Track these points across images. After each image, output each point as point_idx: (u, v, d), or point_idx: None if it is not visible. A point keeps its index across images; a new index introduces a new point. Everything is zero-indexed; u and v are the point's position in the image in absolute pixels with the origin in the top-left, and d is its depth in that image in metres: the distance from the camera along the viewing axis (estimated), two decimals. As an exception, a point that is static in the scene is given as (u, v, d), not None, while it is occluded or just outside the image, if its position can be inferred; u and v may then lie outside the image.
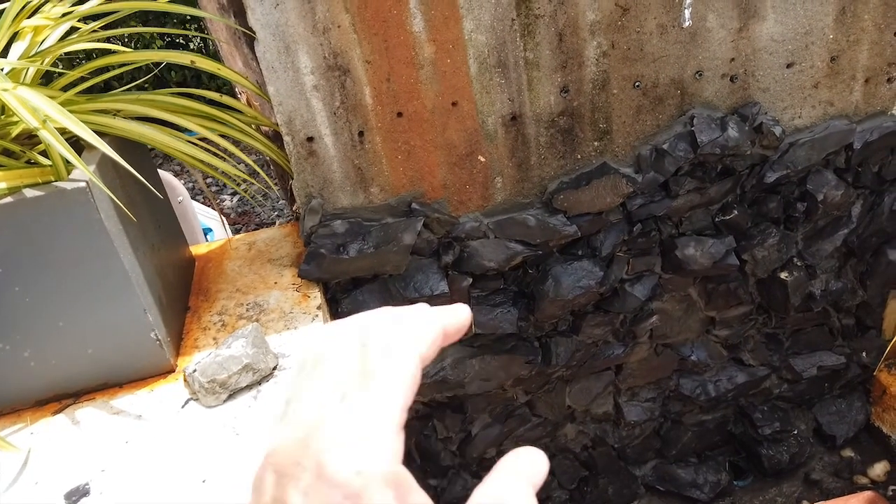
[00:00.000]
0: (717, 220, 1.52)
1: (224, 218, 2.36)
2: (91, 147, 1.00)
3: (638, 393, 1.75)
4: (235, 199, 3.28)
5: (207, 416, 1.04)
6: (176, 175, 3.16)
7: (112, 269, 1.02)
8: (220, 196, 3.38)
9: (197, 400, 1.07)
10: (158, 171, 1.88)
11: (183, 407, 1.06)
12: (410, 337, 0.31)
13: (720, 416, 1.86)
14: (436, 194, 1.36)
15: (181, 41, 3.30)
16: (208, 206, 2.26)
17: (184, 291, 1.30)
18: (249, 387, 1.08)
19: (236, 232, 3.03)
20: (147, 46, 3.14)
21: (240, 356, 1.06)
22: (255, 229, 3.08)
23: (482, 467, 1.72)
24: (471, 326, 1.48)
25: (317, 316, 1.23)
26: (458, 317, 0.35)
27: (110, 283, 1.03)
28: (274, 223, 3.08)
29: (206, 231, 2.01)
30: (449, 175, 1.35)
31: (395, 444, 0.28)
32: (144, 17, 2.89)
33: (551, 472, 1.81)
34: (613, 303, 1.53)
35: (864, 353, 1.85)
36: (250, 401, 1.06)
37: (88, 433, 1.03)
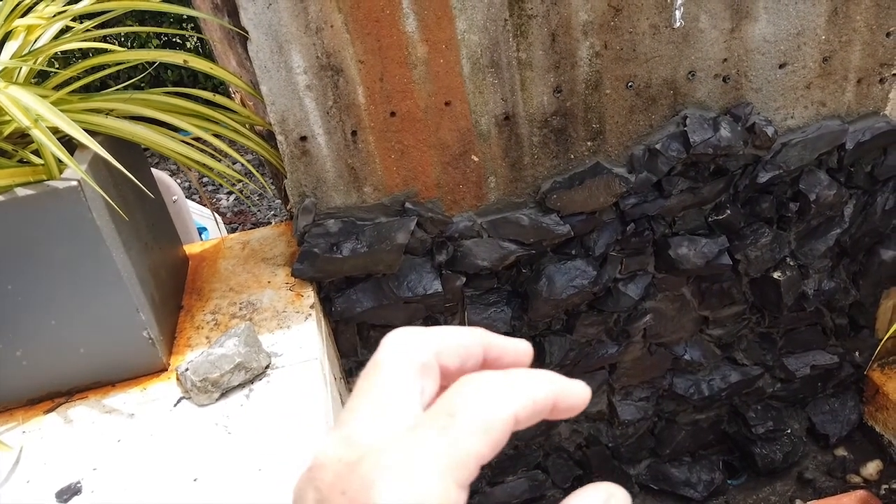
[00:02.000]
0: (710, 219, 1.53)
1: (219, 217, 2.37)
2: (83, 146, 1.00)
3: (632, 392, 1.76)
4: (231, 198, 3.28)
5: (200, 414, 1.04)
6: (171, 174, 3.16)
7: (104, 267, 1.02)
8: (216, 195, 3.38)
9: (189, 399, 1.07)
10: (153, 170, 1.88)
11: (175, 406, 1.06)
12: (516, 390, 0.26)
13: (714, 416, 1.87)
14: (429, 194, 1.37)
15: (177, 40, 3.30)
16: (203, 205, 2.27)
17: (177, 290, 1.31)
18: (242, 385, 1.08)
19: (232, 231, 3.03)
20: (142, 46, 3.14)
21: (232, 355, 1.06)
22: (251, 228, 3.08)
23: (476, 466, 1.73)
24: (465, 325, 1.48)
25: (310, 315, 1.23)
26: (575, 393, 0.28)
27: (102, 282, 1.03)
28: (269, 223, 3.08)
29: (201, 230, 2.01)
30: (442, 175, 1.35)
31: (458, 499, 0.24)
32: (140, 16, 2.89)
33: (545, 471, 1.81)
34: (607, 302, 1.54)
35: (857, 353, 1.85)
36: (243, 399, 1.06)
37: (80, 432, 1.03)
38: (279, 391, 1.09)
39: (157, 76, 3.10)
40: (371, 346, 1.47)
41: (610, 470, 1.84)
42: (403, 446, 0.24)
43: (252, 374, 1.08)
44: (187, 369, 1.05)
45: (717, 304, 1.64)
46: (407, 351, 0.28)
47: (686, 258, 1.50)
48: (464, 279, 1.42)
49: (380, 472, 0.23)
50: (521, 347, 0.31)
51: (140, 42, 3.05)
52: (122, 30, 1.25)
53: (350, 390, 1.52)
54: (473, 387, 0.26)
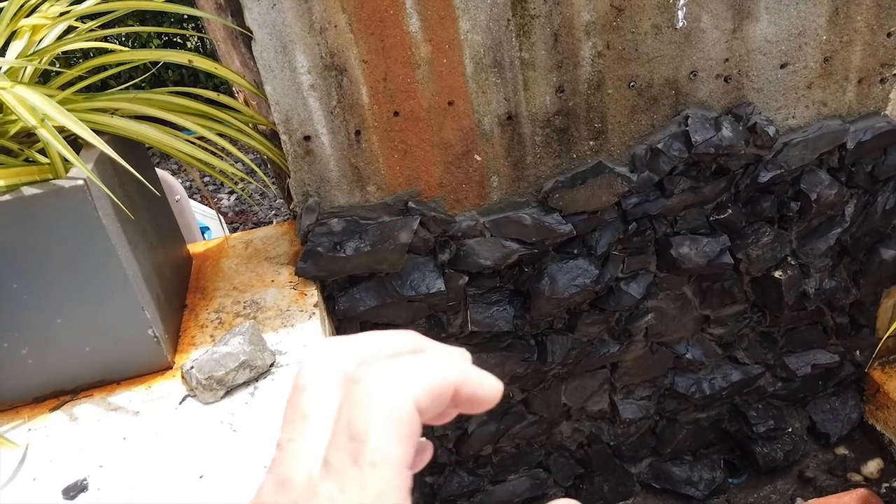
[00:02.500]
0: (711, 219, 1.53)
1: (222, 216, 2.37)
2: (89, 145, 1.01)
3: (633, 391, 1.76)
4: (233, 197, 3.29)
5: (205, 412, 1.05)
6: (173, 174, 3.17)
7: (110, 266, 1.02)
8: (218, 195, 3.38)
9: (194, 396, 1.07)
10: (156, 169, 1.88)
11: (180, 403, 1.07)
12: (408, 380, 0.25)
13: (715, 414, 1.87)
14: (432, 193, 1.37)
15: (178, 40, 3.31)
16: (206, 204, 2.27)
17: (181, 289, 1.31)
18: (246, 383, 1.09)
19: (234, 230, 3.04)
20: (145, 45, 3.14)
21: (237, 353, 1.07)
22: (252, 228, 3.09)
23: (478, 464, 1.73)
24: (467, 324, 1.49)
25: (313, 314, 1.24)
26: (483, 382, 0.27)
27: (108, 281, 1.03)
28: (271, 222, 3.09)
29: (204, 229, 2.01)
30: (445, 174, 1.36)
31: None
32: (141, 16, 2.89)
33: (547, 470, 1.82)
34: (609, 301, 1.54)
35: (857, 352, 1.86)
36: (247, 397, 1.07)
37: (86, 430, 1.03)
38: (284, 390, 1.09)
39: (159, 76, 3.11)
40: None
41: (611, 469, 1.85)
42: (328, 490, 0.23)
43: (257, 372, 1.09)
44: (192, 367, 1.06)
45: (718, 303, 1.65)
46: (328, 369, 0.27)
47: (687, 257, 1.50)
48: (466, 278, 1.42)
49: None
50: (489, 384, 0.28)
51: (141, 42, 3.05)
52: (125, 30, 1.25)
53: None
54: (366, 392, 0.24)
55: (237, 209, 3.19)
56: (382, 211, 1.35)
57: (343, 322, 1.41)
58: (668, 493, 1.90)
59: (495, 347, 1.52)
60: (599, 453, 1.82)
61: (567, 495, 1.86)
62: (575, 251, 1.47)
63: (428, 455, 0.32)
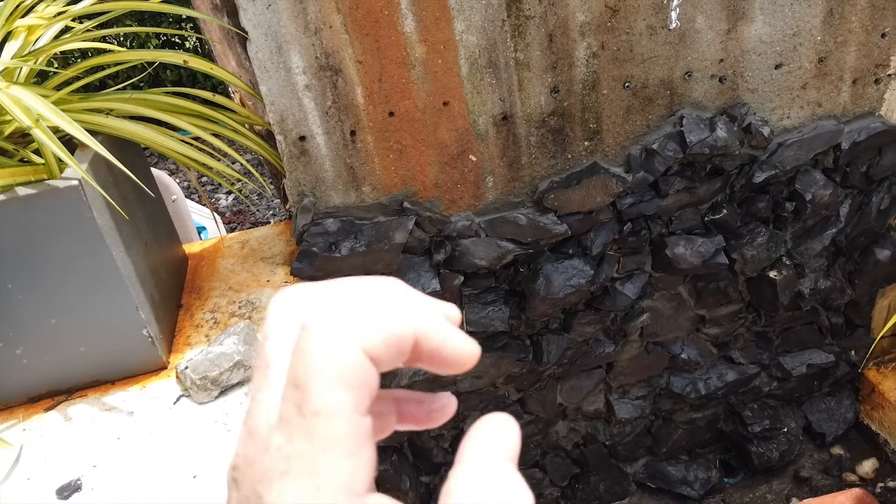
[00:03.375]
0: (706, 219, 1.54)
1: (219, 216, 2.37)
2: (84, 146, 1.01)
3: (629, 391, 1.77)
4: (231, 197, 3.29)
5: (199, 412, 1.05)
6: (170, 174, 3.17)
7: (104, 266, 1.02)
8: (215, 195, 3.38)
9: (189, 396, 1.08)
10: (152, 170, 1.88)
11: (175, 403, 1.07)
12: (361, 326, 0.24)
13: (710, 414, 1.88)
14: (427, 193, 1.37)
15: (176, 40, 3.31)
16: (203, 204, 2.27)
17: (177, 289, 1.31)
18: (241, 383, 1.09)
19: (231, 230, 3.04)
20: (142, 45, 3.14)
21: (231, 353, 1.07)
22: (250, 228, 3.09)
23: (474, 464, 1.73)
24: (463, 324, 1.49)
25: (309, 314, 1.24)
26: (446, 339, 0.26)
27: (102, 281, 1.04)
28: (268, 222, 3.09)
29: (200, 229, 2.02)
30: (440, 174, 1.36)
31: (350, 470, 0.23)
32: (139, 16, 2.90)
33: (543, 470, 1.82)
34: (604, 301, 1.54)
35: (852, 352, 1.86)
36: (242, 397, 1.07)
37: (80, 429, 1.04)
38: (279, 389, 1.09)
39: (156, 76, 3.11)
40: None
41: (607, 468, 1.85)
42: (278, 443, 0.23)
43: (251, 371, 1.09)
44: (187, 367, 1.06)
45: (713, 303, 1.65)
46: (291, 315, 0.26)
47: (682, 257, 1.51)
48: (462, 278, 1.43)
49: (271, 473, 0.23)
50: (467, 349, 0.27)
51: (139, 42, 3.06)
52: (122, 30, 1.26)
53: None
54: (311, 339, 0.23)
55: (235, 209, 3.20)
56: (378, 211, 1.35)
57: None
58: (663, 493, 1.91)
59: (491, 347, 1.53)
60: (595, 453, 1.82)
61: (563, 495, 1.87)
62: (570, 251, 1.48)
63: (448, 409, 0.30)
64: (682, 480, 1.86)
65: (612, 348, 1.64)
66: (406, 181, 1.35)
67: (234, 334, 1.11)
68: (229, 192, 3.32)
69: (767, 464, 1.86)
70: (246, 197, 2.79)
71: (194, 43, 3.32)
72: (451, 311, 0.29)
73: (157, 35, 3.12)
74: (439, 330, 0.26)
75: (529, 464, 1.80)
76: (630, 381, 1.74)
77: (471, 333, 1.53)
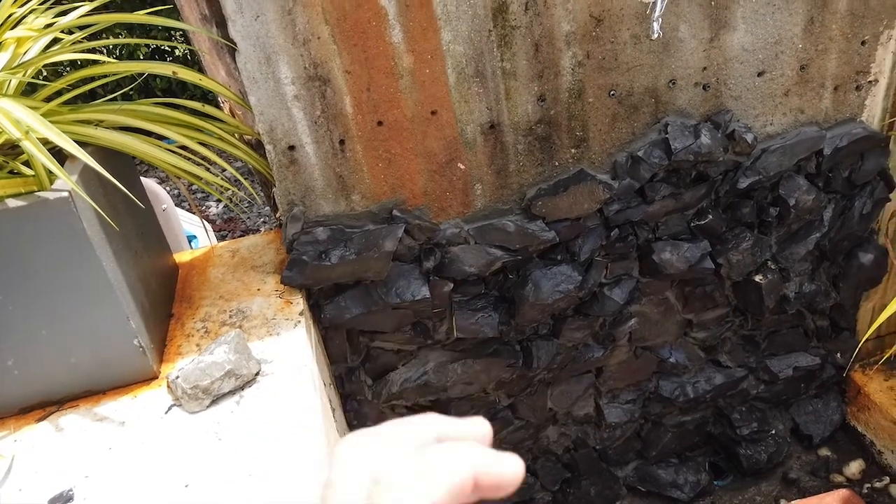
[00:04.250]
0: (692, 224, 1.56)
1: (209, 225, 2.37)
2: (73, 157, 1.02)
3: (618, 395, 1.78)
4: (220, 206, 3.29)
5: (190, 421, 1.06)
6: (160, 182, 3.16)
7: (94, 277, 1.03)
8: (206, 203, 3.38)
9: (180, 406, 1.08)
10: (142, 179, 1.89)
11: (166, 413, 1.08)
12: (427, 485, 0.27)
13: (699, 417, 1.90)
14: (416, 201, 1.39)
15: (166, 49, 3.32)
16: (193, 213, 2.27)
17: (167, 298, 1.32)
18: (232, 392, 1.10)
19: (222, 238, 3.04)
20: (131, 55, 3.14)
21: (222, 362, 1.08)
22: (240, 236, 3.09)
23: (466, 470, 1.74)
24: (453, 331, 1.50)
25: (299, 322, 1.25)
26: (502, 472, 0.29)
27: (93, 292, 1.04)
28: (259, 230, 3.09)
29: (191, 238, 2.02)
30: (429, 182, 1.37)
31: None
32: (129, 26, 2.90)
33: (534, 474, 1.83)
34: (593, 306, 1.56)
35: (838, 354, 1.89)
36: (233, 406, 1.08)
37: (72, 440, 1.04)
38: (269, 398, 1.10)
39: (146, 85, 3.11)
40: (360, 351, 1.49)
41: (598, 472, 1.87)
42: None
43: (242, 381, 1.10)
44: (178, 377, 1.06)
45: (700, 307, 1.67)
46: (354, 467, 0.29)
47: (669, 263, 1.52)
48: (451, 285, 1.44)
49: None
50: (508, 468, 0.30)
51: (128, 51, 3.06)
52: (112, 41, 1.26)
53: (340, 395, 1.54)
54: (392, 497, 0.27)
55: (225, 217, 3.20)
56: (367, 219, 1.37)
57: (329, 330, 1.43)
58: (654, 496, 1.92)
59: (481, 353, 1.54)
60: (586, 457, 1.84)
61: (554, 500, 1.88)
62: (559, 257, 1.49)
63: (506, 485, 0.32)
64: (672, 483, 1.88)
65: (601, 353, 1.66)
66: (395, 189, 1.36)
67: (224, 343, 1.12)
68: (219, 200, 3.32)
69: (756, 466, 1.88)
70: (236, 205, 2.79)
71: (184, 52, 3.33)
72: (483, 430, 0.33)
73: (147, 44, 3.12)
74: (491, 466, 0.29)
75: (521, 469, 1.81)
76: (619, 385, 1.76)
77: (461, 339, 1.54)
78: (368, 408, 1.53)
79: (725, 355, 1.79)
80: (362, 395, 1.51)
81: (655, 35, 1.31)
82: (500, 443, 1.72)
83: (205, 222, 1.78)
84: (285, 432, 1.02)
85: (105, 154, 1.14)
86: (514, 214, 1.45)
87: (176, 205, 2.49)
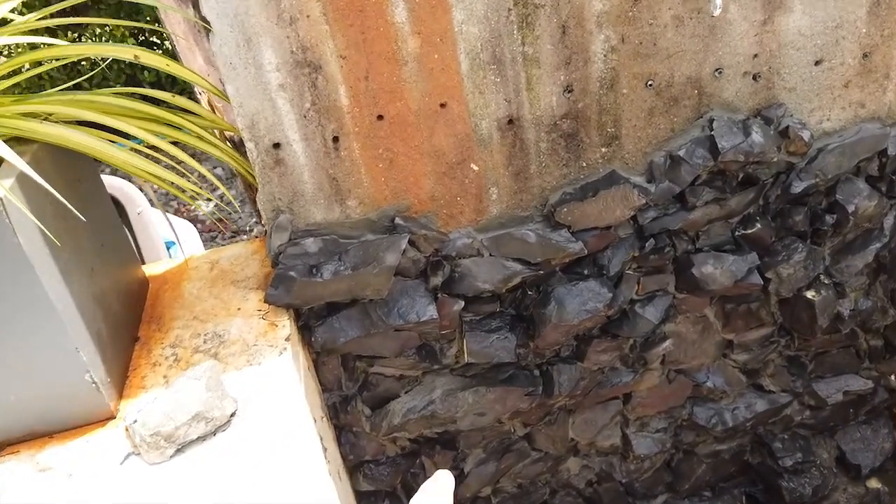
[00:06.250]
0: (737, 234, 1.37)
1: (196, 226, 2.19)
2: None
3: (648, 423, 1.60)
4: (212, 204, 3.10)
5: (150, 475, 0.88)
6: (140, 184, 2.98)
7: (35, 300, 0.85)
8: (196, 201, 3.20)
9: (139, 454, 0.90)
10: (114, 179, 1.71)
11: (122, 463, 0.90)
12: None
13: (736, 446, 1.71)
14: (422, 207, 1.20)
15: (155, 40, 3.13)
16: (179, 214, 2.10)
17: (132, 320, 1.14)
18: (202, 439, 0.92)
19: (212, 239, 2.84)
20: (122, 41, 2.96)
21: (190, 403, 0.90)
22: (231, 237, 2.91)
23: (476, 507, 1.57)
24: (463, 354, 1.32)
25: (285, 349, 1.07)
26: None
27: (34, 318, 0.86)
28: (252, 230, 2.91)
29: (169, 245, 1.84)
30: (437, 186, 1.19)
31: None
32: (116, 11, 2.71)
33: (553, 510, 1.65)
34: (622, 326, 1.37)
35: (892, 377, 1.70)
36: (204, 454, 0.90)
37: (9, 495, 0.86)
38: (248, 444, 0.92)
39: (134, 76, 2.93)
40: (357, 378, 1.31)
41: (623, 507, 1.68)
42: None
43: (214, 425, 0.92)
44: (136, 421, 0.89)
45: (743, 326, 1.48)
46: None
47: (712, 277, 1.34)
48: (462, 303, 1.26)
49: None
50: None
51: (115, 40, 2.87)
52: (67, 20, 1.08)
53: (335, 426, 1.36)
54: None
55: (216, 216, 3.01)
56: (365, 228, 1.18)
57: (321, 355, 1.25)
58: (685, 533, 1.73)
59: (495, 380, 1.36)
60: (610, 491, 1.65)
61: (574, 537, 1.70)
62: (585, 272, 1.31)
63: None
64: (706, 521, 1.69)
65: (631, 377, 1.47)
66: (398, 194, 1.18)
67: (195, 378, 0.94)
68: (209, 199, 3.14)
69: (800, 500, 1.69)
70: (227, 204, 2.61)
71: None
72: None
73: (135, 34, 2.94)
74: None
75: (538, 503, 1.63)
76: (649, 412, 1.57)
77: (472, 365, 1.36)
78: (366, 441, 1.35)
79: (768, 379, 1.60)
80: (359, 426, 1.33)
81: (717, 11, 1.12)
82: (514, 477, 1.54)
83: (190, 224, 1.60)
84: (270, 485, 0.84)
85: (56, 153, 0.96)
86: (534, 223, 1.26)
87: (164, 203, 2.31)
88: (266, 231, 1.17)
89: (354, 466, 1.41)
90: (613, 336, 1.39)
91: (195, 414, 0.89)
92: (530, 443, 1.52)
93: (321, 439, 1.11)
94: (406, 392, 1.34)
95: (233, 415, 0.95)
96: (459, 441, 1.44)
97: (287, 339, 1.09)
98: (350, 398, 1.31)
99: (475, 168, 1.20)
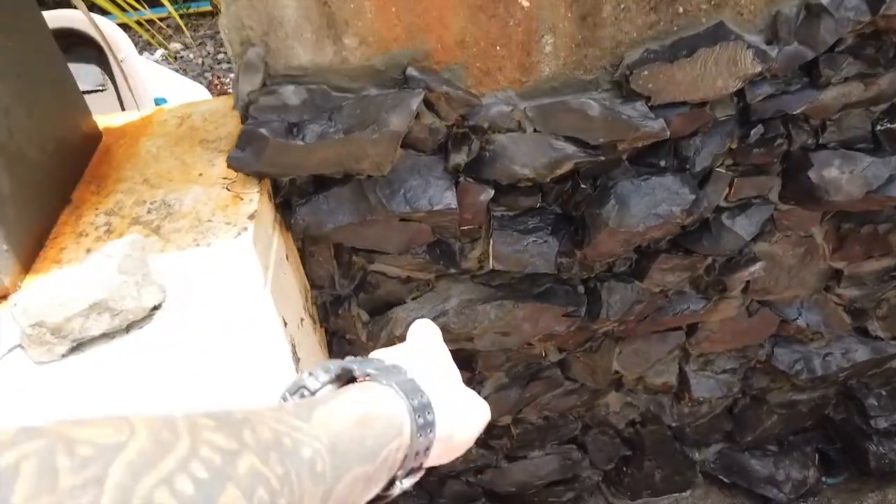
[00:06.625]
0: (879, 128, 1.00)
1: (207, 79, 1.90)
2: None
3: (713, 361, 1.31)
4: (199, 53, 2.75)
5: (35, 377, 0.66)
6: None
7: None
8: (204, 48, 2.88)
9: (24, 349, 0.68)
10: (97, 19, 1.43)
11: (4, 356, 0.68)
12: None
13: (818, 397, 1.41)
14: (447, 57, 0.88)
15: None
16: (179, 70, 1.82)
17: (63, 177, 0.89)
18: (109, 336, 0.68)
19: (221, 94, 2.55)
20: None
21: (90, 288, 0.66)
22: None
23: (491, 435, 1.34)
24: (488, 258, 1.04)
25: (245, 229, 0.81)
26: None
27: None
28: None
29: (159, 102, 1.57)
30: (469, 26, 0.86)
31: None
32: None
33: (582, 448, 1.41)
34: (701, 240, 1.05)
35: None
36: (106, 358, 0.67)
37: None
38: (175, 348, 0.69)
39: None
40: (353, 275, 1.05)
41: (668, 454, 1.43)
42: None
43: (125, 319, 0.68)
44: (17, 304, 0.65)
45: (860, 253, 1.14)
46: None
47: (834, 185, 0.99)
48: (492, 192, 0.96)
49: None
50: None
51: None
52: None
53: (325, 330, 1.13)
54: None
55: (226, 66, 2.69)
56: (367, 79, 0.87)
57: (307, 244, 0.98)
58: (737, 490, 1.48)
59: (527, 293, 1.07)
60: (655, 435, 1.39)
61: (605, 479, 1.47)
62: (662, 163, 0.98)
63: None
64: (767, 479, 1.42)
65: (701, 306, 1.17)
66: (413, 34, 0.85)
67: (110, 255, 0.69)
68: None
69: (888, 468, 1.39)
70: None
71: None
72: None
73: None
74: None
75: (564, 439, 1.39)
76: (717, 349, 1.27)
77: (499, 273, 1.08)
78: (361, 351, 1.11)
79: (878, 322, 1.27)
80: (353, 333, 1.09)
81: None
82: (540, 408, 1.28)
83: (194, 83, 1.33)
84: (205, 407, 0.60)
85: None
86: (600, 90, 0.92)
87: (179, 53, 2.04)
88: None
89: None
90: (687, 252, 1.08)
91: (94, 303, 0.65)
92: (564, 371, 1.25)
93: (293, 347, 0.87)
94: (413, 298, 1.07)
95: (156, 308, 0.71)
96: (478, 361, 1.19)
97: (251, 218, 0.82)
98: (344, 299, 1.06)
99: (525, 4, 0.85)
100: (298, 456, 0.30)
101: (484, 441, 1.35)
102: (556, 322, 1.09)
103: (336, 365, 0.43)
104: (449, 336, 1.07)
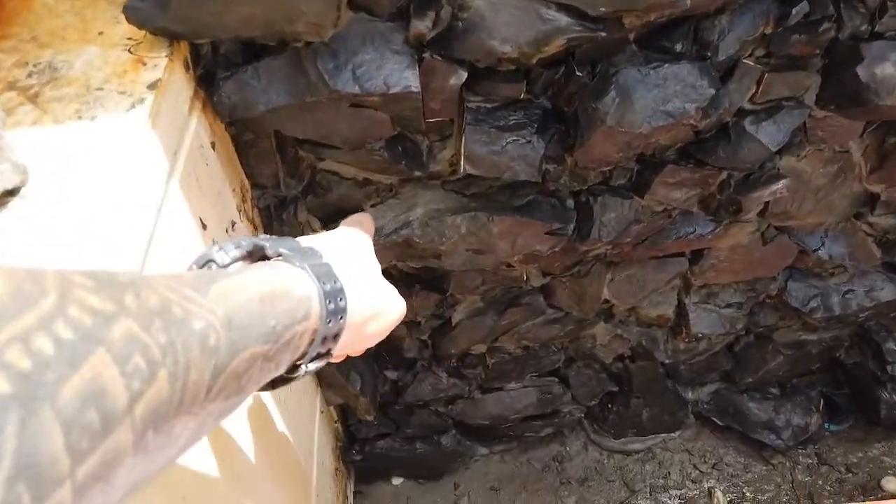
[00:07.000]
0: (952, 15, 0.80)
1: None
2: None
3: (717, 294, 1.16)
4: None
5: None
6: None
7: None
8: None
9: None
10: None
11: None
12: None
13: (830, 338, 1.27)
14: None
15: None
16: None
17: (-75, 29, 0.72)
18: (-58, 224, 0.53)
19: None
20: None
21: None
22: None
23: (464, 364, 1.21)
24: (460, 160, 0.87)
25: (141, 101, 0.64)
26: None
27: None
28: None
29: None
30: None
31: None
32: None
33: (564, 382, 1.29)
34: (717, 149, 0.88)
35: None
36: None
37: None
38: (33, 245, 0.54)
39: None
40: (301, 173, 0.89)
41: (658, 392, 1.31)
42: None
43: (-34, 202, 0.52)
44: None
45: (903, 175, 0.96)
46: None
47: (887, 84, 0.80)
48: (464, 75, 0.78)
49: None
50: None
51: None
52: None
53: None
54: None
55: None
56: (306, -87, 0.68)
57: (239, 129, 0.81)
58: (731, 433, 1.37)
59: (505, 205, 0.91)
60: (645, 371, 1.27)
61: (588, 415, 1.36)
62: (677, 47, 0.79)
63: None
64: (765, 424, 1.31)
65: (710, 229, 1.01)
66: None
67: (-50, 121, 0.53)
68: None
69: (898, 419, 1.27)
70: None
71: None
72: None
73: None
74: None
75: (544, 371, 1.26)
76: (723, 280, 1.12)
77: (473, 178, 0.90)
78: (312, 265, 0.97)
79: (911, 258, 1.11)
80: (302, 244, 0.94)
81: None
82: (518, 337, 1.15)
83: None
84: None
85: None
86: (605, -56, 0.73)
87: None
88: None
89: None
90: (699, 164, 0.91)
91: (-87, 178, 0.49)
92: (547, 297, 1.11)
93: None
94: (373, 205, 0.92)
95: (12, 192, 0.55)
96: (450, 282, 1.04)
97: (152, 88, 0.65)
98: (290, 202, 0.91)
99: None
100: (188, 326, 0.28)
101: (456, 370, 1.22)
102: (538, 241, 0.93)
103: (248, 241, 0.43)
104: (413, 252, 0.92)
